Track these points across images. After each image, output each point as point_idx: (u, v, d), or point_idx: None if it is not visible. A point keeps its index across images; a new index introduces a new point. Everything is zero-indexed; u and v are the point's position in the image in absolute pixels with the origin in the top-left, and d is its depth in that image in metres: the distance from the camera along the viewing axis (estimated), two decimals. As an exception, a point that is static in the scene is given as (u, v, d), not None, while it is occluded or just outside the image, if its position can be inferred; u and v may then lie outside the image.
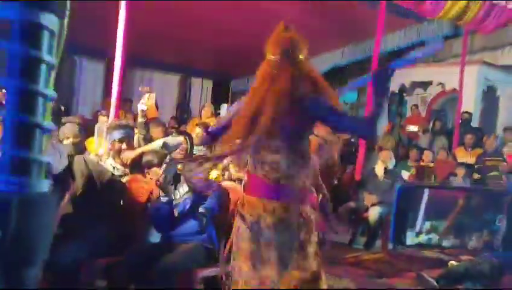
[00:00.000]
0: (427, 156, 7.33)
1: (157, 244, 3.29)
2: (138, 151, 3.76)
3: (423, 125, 9.25)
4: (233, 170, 4.23)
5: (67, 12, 0.93)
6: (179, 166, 3.08)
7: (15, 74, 0.85)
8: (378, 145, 7.37)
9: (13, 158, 0.86)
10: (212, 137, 2.22)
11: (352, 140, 7.26)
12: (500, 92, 10.66)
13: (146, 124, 4.75)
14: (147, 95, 4.72)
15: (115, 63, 4.71)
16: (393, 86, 11.01)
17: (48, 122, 0.90)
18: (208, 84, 10.70)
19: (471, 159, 7.44)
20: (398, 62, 2.24)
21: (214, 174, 3.94)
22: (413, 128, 9.15)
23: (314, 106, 1.97)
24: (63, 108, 5.84)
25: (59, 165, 2.92)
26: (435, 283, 2.98)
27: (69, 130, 3.91)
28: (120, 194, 3.38)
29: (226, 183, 3.71)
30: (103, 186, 3.27)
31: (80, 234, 3.05)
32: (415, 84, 11.23)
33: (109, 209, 3.27)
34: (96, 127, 4.36)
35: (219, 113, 7.10)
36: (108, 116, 4.91)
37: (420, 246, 3.19)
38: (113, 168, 3.61)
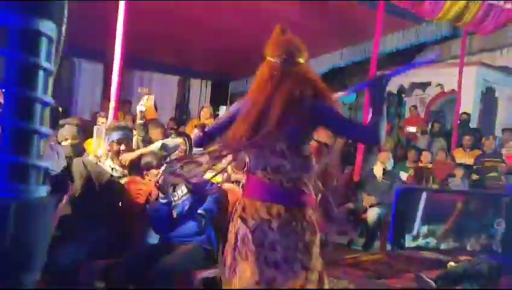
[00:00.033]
0: (426, 157, 7.33)
1: (156, 246, 3.29)
2: (137, 152, 3.76)
3: (422, 126, 9.26)
4: (231, 172, 4.23)
5: (65, 19, 0.93)
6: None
7: (13, 80, 0.86)
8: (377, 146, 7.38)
9: (11, 164, 0.87)
10: (208, 137, 2.19)
11: (350, 141, 7.26)
12: (499, 93, 10.68)
13: (145, 126, 4.75)
14: (146, 97, 4.72)
15: (114, 64, 4.71)
16: (392, 87, 11.03)
17: (45, 128, 0.91)
18: (207, 86, 10.70)
19: (469, 160, 7.45)
20: (393, 72, 2.29)
21: (217, 177, 3.95)
22: (412, 129, 9.15)
23: (320, 111, 1.98)
24: (61, 109, 5.83)
25: (57, 166, 2.92)
26: (434, 284, 2.98)
27: (67, 132, 3.91)
28: (119, 195, 3.39)
29: (225, 185, 3.72)
30: (102, 188, 3.27)
31: (79, 235, 3.05)
32: (414, 85, 11.24)
33: (108, 211, 3.27)
34: (95, 128, 4.36)
35: (218, 115, 7.10)
36: (107, 118, 4.91)
37: (418, 249, 3.20)
38: (112, 169, 3.61)
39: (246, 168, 2.11)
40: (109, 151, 3.69)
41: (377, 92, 2.02)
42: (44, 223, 0.91)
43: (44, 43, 0.89)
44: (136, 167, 3.62)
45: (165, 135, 5.01)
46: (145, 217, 3.32)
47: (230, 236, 2.05)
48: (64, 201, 2.96)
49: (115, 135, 3.67)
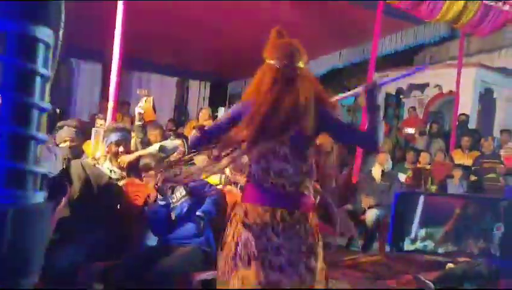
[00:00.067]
0: (424, 158, 7.34)
1: (155, 248, 3.29)
2: (135, 154, 3.76)
3: (420, 127, 9.27)
4: (229, 173, 4.22)
5: (62, 24, 0.93)
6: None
7: (10, 86, 0.86)
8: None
9: (8, 170, 0.87)
10: (207, 139, 2.16)
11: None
12: (497, 94, 10.70)
13: (143, 127, 4.74)
14: (144, 98, 4.71)
15: (112, 65, 4.71)
16: (391, 88, 11.05)
17: (42, 134, 0.91)
18: (206, 87, 10.70)
19: (468, 161, 7.46)
20: (384, 81, 2.37)
21: (215, 178, 3.95)
22: (410, 130, 9.16)
23: (322, 116, 2.00)
24: (58, 110, 5.82)
25: (54, 168, 2.92)
26: (432, 285, 2.98)
27: (66, 134, 3.90)
28: (117, 197, 3.38)
29: (223, 187, 3.71)
30: (100, 190, 3.27)
31: (77, 237, 3.04)
32: (412, 86, 11.26)
33: (106, 213, 3.26)
34: (93, 130, 4.35)
35: (216, 116, 7.09)
36: (105, 120, 4.91)
37: (416, 252, 3.20)
38: (110, 171, 3.61)
39: (247, 173, 2.10)
40: (107, 153, 3.68)
41: (368, 100, 2.05)
42: (42, 229, 0.91)
43: (41, 49, 0.89)
44: (134, 169, 3.62)
45: (164, 137, 5.00)
46: (143, 219, 3.31)
47: (229, 240, 2.03)
48: (62, 203, 2.95)
49: (113, 137, 3.67)
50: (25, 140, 0.89)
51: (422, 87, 11.21)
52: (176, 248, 3.10)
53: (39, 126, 0.90)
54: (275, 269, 1.93)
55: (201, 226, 3.10)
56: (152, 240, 3.39)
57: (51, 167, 2.86)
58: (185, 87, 10.65)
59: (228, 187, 3.72)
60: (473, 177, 6.95)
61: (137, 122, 4.62)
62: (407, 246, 2.93)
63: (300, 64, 2.02)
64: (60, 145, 3.84)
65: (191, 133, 2.31)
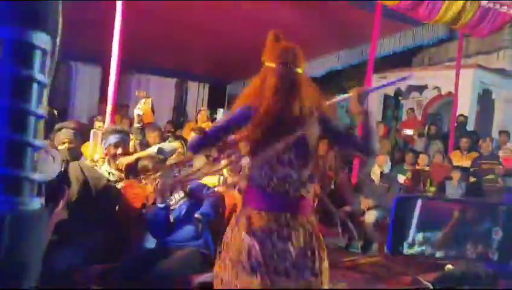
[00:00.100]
0: (423, 159, 7.35)
1: (153, 250, 3.28)
2: (134, 156, 3.75)
3: (419, 128, 9.29)
4: (227, 175, 4.22)
5: (60, 31, 0.93)
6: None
7: (6, 93, 0.86)
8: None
9: (5, 177, 0.87)
10: (209, 143, 2.14)
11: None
12: (496, 95, 10.71)
13: (142, 129, 4.74)
14: (143, 100, 4.72)
15: (111, 67, 4.71)
16: (389, 90, 11.06)
17: (39, 141, 0.91)
18: (205, 88, 10.70)
19: (466, 163, 7.46)
20: (371, 89, 2.48)
21: (213, 179, 3.94)
22: (409, 131, 9.17)
23: (324, 121, 2.02)
24: (56, 112, 5.80)
25: (52, 171, 2.90)
26: (431, 286, 2.98)
27: (64, 136, 3.89)
28: (115, 199, 3.37)
29: (221, 189, 3.71)
30: (98, 192, 3.26)
31: (75, 240, 3.03)
32: (411, 88, 11.26)
33: (105, 215, 3.26)
34: (92, 132, 4.35)
35: (215, 118, 7.09)
36: (104, 122, 4.90)
37: (414, 257, 3.20)
38: (109, 173, 3.60)
39: (248, 177, 2.09)
40: (106, 155, 3.68)
41: (358, 106, 2.07)
42: (39, 235, 0.91)
43: (38, 56, 0.89)
44: (133, 171, 3.61)
45: (163, 139, 5.00)
46: (142, 222, 3.31)
47: (231, 247, 2.01)
48: (60, 206, 2.95)
49: (112, 139, 3.66)
50: (21, 147, 0.89)
51: (420, 88, 11.22)
52: (175, 250, 3.09)
53: (36, 133, 0.90)
54: (281, 275, 1.93)
55: (199, 228, 3.10)
56: (150, 243, 3.38)
57: (48, 169, 2.85)
58: (183, 89, 10.64)
59: (226, 189, 3.72)
60: (471, 179, 6.95)
61: (136, 124, 4.62)
62: (405, 250, 2.92)
63: (299, 70, 2.02)
64: (58, 148, 3.84)
65: (191, 136, 2.31)
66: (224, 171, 4.13)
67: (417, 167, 7.30)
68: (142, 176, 3.46)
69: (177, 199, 3.21)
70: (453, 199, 4.70)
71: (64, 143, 3.89)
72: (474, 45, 10.73)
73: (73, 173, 3.19)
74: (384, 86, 2.36)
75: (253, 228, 1.98)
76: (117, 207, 3.41)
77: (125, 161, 3.66)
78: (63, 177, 3.11)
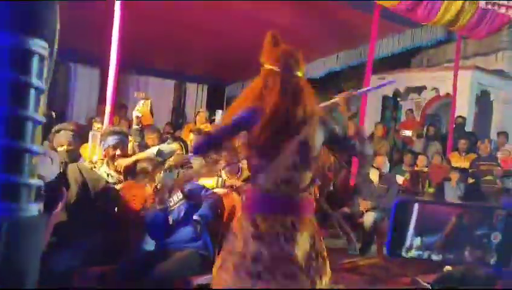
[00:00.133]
0: (422, 160, 7.35)
1: (152, 252, 3.28)
2: (132, 158, 3.74)
3: (417, 129, 9.30)
4: (225, 177, 4.21)
5: (57, 36, 0.93)
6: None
7: (3, 99, 0.86)
8: (373, 150, 7.39)
9: (2, 183, 0.87)
10: (212, 145, 2.10)
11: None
12: (494, 97, 10.73)
13: (141, 131, 4.74)
14: (142, 102, 4.71)
15: (110, 69, 4.70)
16: (388, 91, 11.06)
17: (36, 147, 0.91)
18: (203, 89, 10.70)
19: (465, 164, 7.47)
20: (359, 92, 2.60)
21: (211, 181, 3.94)
22: (407, 132, 9.18)
23: (323, 126, 2.04)
24: (54, 114, 5.80)
25: (50, 172, 2.90)
26: (430, 288, 2.98)
27: (63, 137, 3.88)
28: (114, 201, 3.37)
29: (219, 190, 3.71)
30: (97, 194, 3.26)
31: (74, 242, 3.03)
32: (410, 89, 11.27)
33: (103, 217, 3.25)
34: (90, 133, 4.34)
35: (214, 120, 7.09)
36: (102, 123, 4.90)
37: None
38: (107, 175, 3.59)
39: (251, 180, 2.09)
40: (105, 156, 3.67)
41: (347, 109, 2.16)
42: (36, 242, 0.91)
43: (35, 62, 0.88)
44: (131, 173, 3.61)
45: (161, 140, 4.99)
46: (140, 223, 3.30)
47: (235, 251, 1.99)
48: (59, 207, 2.94)
49: (111, 140, 3.65)
50: (19, 153, 0.88)
51: (419, 89, 11.23)
52: (173, 252, 3.09)
53: (33, 138, 0.90)
54: (287, 278, 1.93)
55: (198, 230, 3.10)
56: (149, 245, 3.38)
57: (47, 171, 2.84)
58: (182, 90, 10.64)
59: (225, 191, 3.71)
60: (470, 180, 6.96)
61: (134, 126, 4.61)
62: (403, 254, 2.92)
63: (300, 73, 2.03)
64: (57, 149, 3.83)
65: (190, 137, 2.32)
66: (223, 173, 4.13)
67: (416, 168, 7.30)
68: (140, 178, 3.45)
69: (176, 200, 3.21)
70: (451, 203, 4.70)
71: (63, 145, 3.89)
72: (473, 47, 10.75)
73: (72, 175, 3.19)
74: (368, 90, 2.58)
75: (258, 232, 1.97)
76: (116, 209, 3.41)
77: (123, 162, 3.65)
78: (61, 179, 3.11)
